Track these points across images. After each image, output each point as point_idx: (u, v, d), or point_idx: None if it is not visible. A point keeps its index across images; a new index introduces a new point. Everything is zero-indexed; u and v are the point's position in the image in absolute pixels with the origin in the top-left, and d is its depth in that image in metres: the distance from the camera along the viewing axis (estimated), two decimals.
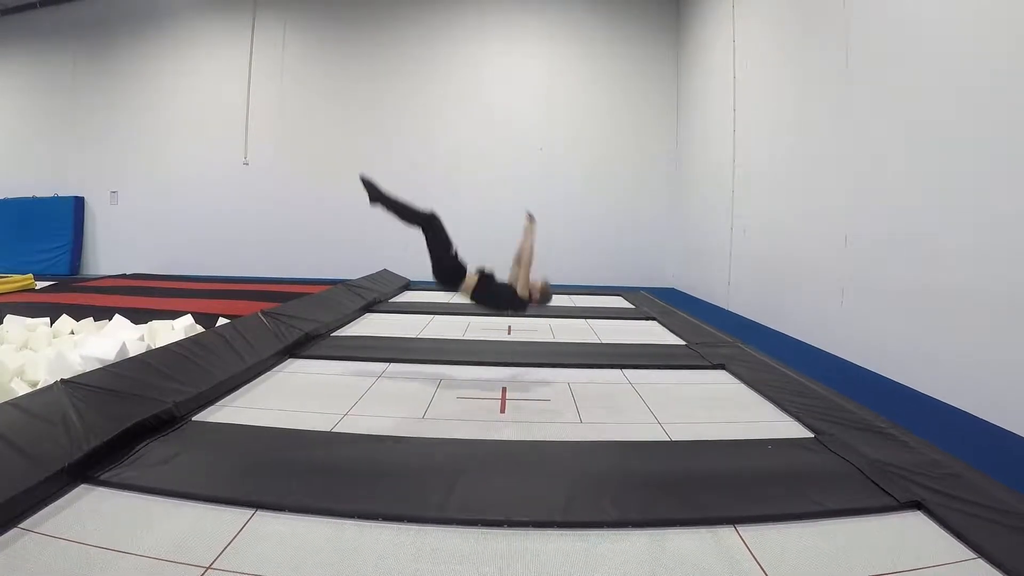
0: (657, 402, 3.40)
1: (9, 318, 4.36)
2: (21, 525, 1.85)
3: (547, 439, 2.78)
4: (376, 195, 3.71)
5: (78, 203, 10.97)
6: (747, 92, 6.97)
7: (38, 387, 2.84)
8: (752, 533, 1.94)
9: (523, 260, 3.68)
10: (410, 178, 10.22)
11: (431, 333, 5.40)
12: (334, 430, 2.85)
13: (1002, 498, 2.10)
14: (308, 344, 4.59)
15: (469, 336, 5.30)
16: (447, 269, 3.63)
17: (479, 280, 3.64)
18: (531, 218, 3.82)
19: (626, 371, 4.08)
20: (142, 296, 6.63)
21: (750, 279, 6.79)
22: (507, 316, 6.26)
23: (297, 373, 3.94)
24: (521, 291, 3.60)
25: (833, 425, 2.88)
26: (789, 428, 2.99)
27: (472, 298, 3.69)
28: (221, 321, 4.46)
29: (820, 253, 5.14)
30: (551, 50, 10.30)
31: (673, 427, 2.99)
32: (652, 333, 5.67)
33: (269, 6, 10.42)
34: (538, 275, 3.76)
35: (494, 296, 3.70)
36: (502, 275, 3.82)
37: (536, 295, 3.67)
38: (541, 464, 2.47)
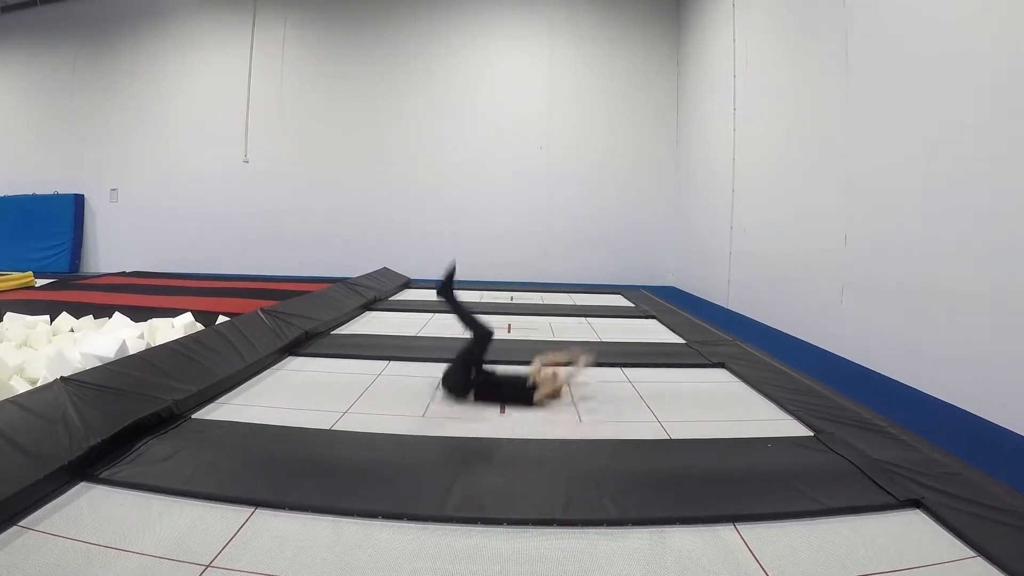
0: (657, 400, 3.40)
1: (9, 316, 4.36)
2: (20, 523, 1.85)
3: (546, 437, 2.78)
4: (446, 291, 3.57)
5: (78, 200, 10.97)
6: (747, 91, 6.96)
7: (38, 385, 2.84)
8: (752, 531, 1.94)
9: (556, 380, 3.34)
10: (409, 176, 10.24)
11: (431, 331, 5.39)
12: (334, 428, 2.85)
13: (1001, 496, 2.10)
14: (308, 342, 4.58)
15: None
16: (460, 382, 3.36)
17: (475, 395, 3.36)
18: (581, 362, 3.47)
19: (626, 369, 4.08)
20: (142, 294, 6.64)
21: (750, 278, 6.79)
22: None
23: (297, 371, 3.94)
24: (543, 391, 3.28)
25: (832, 423, 2.89)
26: (788, 426, 3.00)
27: (477, 399, 3.42)
28: (221, 319, 4.46)
29: (820, 252, 5.14)
30: (551, 50, 10.28)
31: (673, 425, 3.00)
32: (652, 331, 5.67)
33: (270, 3, 10.41)
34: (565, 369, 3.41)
35: (498, 395, 3.36)
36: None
37: (546, 385, 3.31)
38: (541, 462, 2.47)
